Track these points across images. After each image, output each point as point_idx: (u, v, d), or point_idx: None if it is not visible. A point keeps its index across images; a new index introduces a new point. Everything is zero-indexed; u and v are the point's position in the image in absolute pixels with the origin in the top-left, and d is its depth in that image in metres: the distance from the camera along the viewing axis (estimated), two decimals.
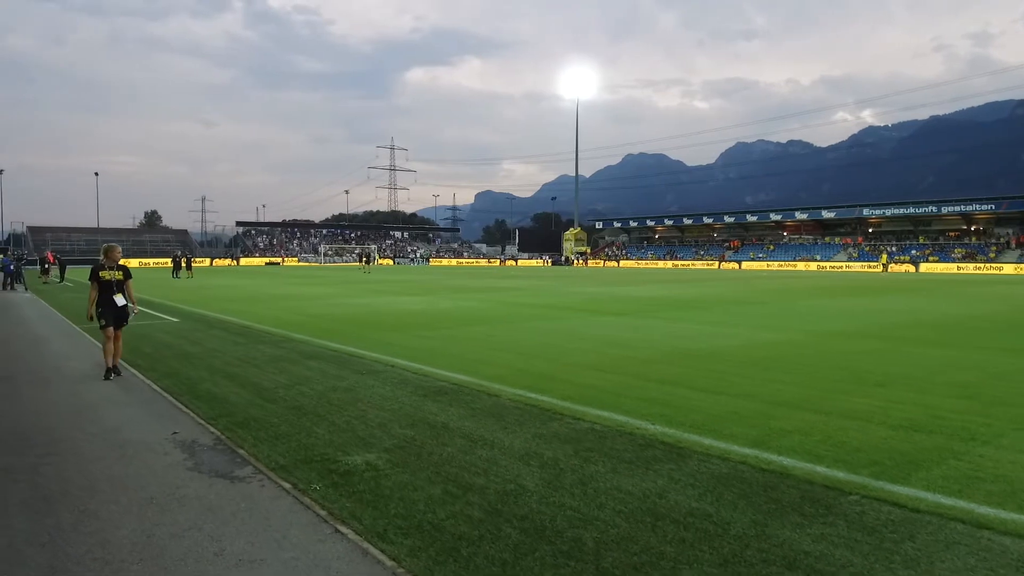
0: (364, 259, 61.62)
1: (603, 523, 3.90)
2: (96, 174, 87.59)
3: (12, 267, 28.52)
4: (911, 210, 68.59)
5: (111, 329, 8.30)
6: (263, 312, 17.32)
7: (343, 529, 3.83)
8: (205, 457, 5.18)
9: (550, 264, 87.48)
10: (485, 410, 6.60)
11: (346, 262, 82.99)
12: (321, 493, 4.38)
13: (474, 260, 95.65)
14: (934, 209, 67.24)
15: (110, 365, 8.34)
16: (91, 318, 8.33)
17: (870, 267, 64.11)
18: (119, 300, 8.39)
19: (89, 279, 8.36)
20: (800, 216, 76.12)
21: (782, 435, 5.68)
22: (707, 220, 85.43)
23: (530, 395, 7.23)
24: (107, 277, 8.37)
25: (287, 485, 4.54)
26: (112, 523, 3.91)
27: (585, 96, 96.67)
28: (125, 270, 8.65)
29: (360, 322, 14.91)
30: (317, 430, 5.89)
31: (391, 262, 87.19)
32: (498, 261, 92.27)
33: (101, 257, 8.53)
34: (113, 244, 8.69)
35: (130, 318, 8.63)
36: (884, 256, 60.37)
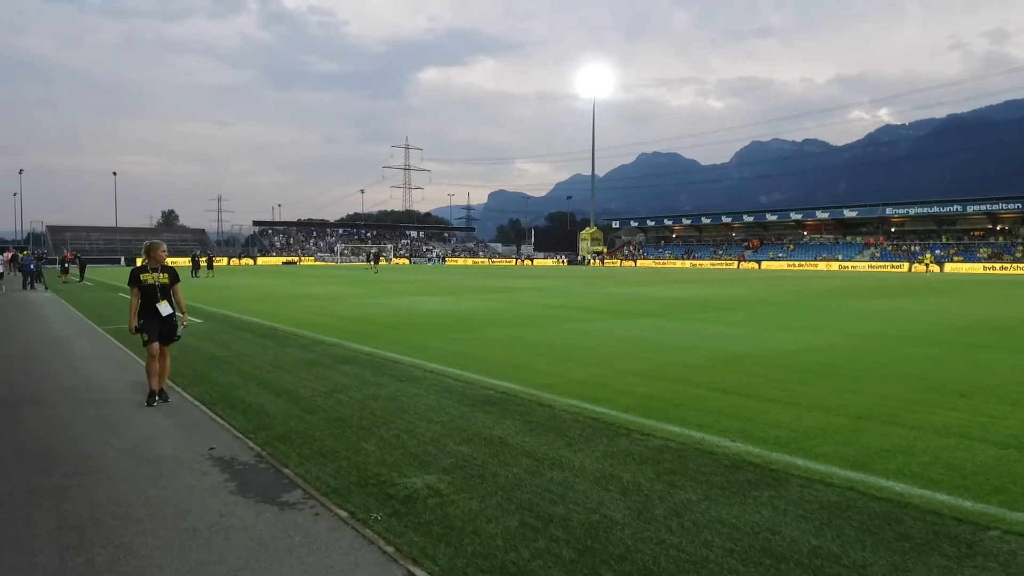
0: (373, 259, 60.55)
1: (716, 566, 3.36)
2: (114, 174, 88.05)
3: (32, 266, 28.33)
4: (935, 209, 67.35)
5: (156, 345, 6.81)
6: (287, 312, 16.90)
7: (417, 572, 3.32)
8: (248, 477, 4.70)
9: (566, 264, 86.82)
10: (542, 423, 6.08)
11: (363, 261, 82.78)
12: (384, 524, 3.87)
13: (489, 260, 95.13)
14: (959, 208, 65.98)
15: (154, 388, 6.93)
16: (134, 330, 6.81)
17: (893, 267, 63.04)
18: (164, 309, 6.89)
19: (129, 283, 6.92)
20: (821, 215, 75.04)
21: (882, 455, 5.11)
22: (726, 219, 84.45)
23: (586, 406, 6.71)
24: (150, 281, 6.88)
25: (344, 513, 4.04)
26: (152, 562, 3.42)
27: (601, 95, 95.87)
28: (172, 272, 7.12)
29: (387, 323, 14.44)
30: (365, 446, 5.39)
31: (407, 261, 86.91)
32: (517, 261, 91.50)
33: (142, 257, 7.14)
34: (157, 241, 7.13)
35: (179, 330, 7.16)
36: (928, 256, 58.63)
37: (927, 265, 55.82)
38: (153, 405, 6.79)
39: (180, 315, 7.18)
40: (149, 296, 6.86)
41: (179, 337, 7.16)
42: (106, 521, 3.92)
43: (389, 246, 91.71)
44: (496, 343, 11.38)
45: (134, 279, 6.89)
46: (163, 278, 6.99)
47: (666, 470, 4.79)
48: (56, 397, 7.38)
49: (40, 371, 9.01)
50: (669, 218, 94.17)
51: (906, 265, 62.73)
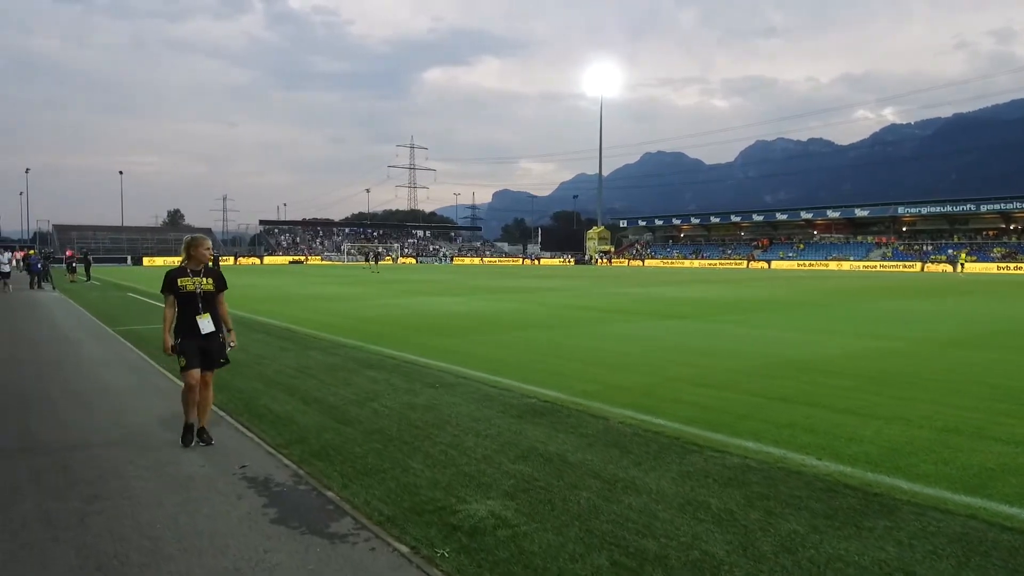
0: (373, 258, 58.94)
1: None
2: (120, 173, 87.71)
3: (39, 266, 27.89)
4: (948, 208, 66.61)
5: (196, 373, 5.28)
6: (301, 313, 16.41)
7: None
8: (288, 502, 4.19)
9: (573, 263, 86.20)
10: (599, 437, 5.56)
11: (362, 260, 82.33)
12: (453, 562, 3.35)
13: (497, 259, 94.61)
14: (972, 207, 65.20)
15: (191, 421, 5.39)
16: (170, 351, 5.33)
17: (906, 267, 62.34)
18: (206, 325, 5.33)
19: (162, 290, 5.41)
20: (832, 214, 74.30)
21: (992, 476, 4.58)
22: (735, 219, 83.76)
23: (641, 417, 6.18)
24: (189, 288, 5.32)
25: (404, 548, 3.52)
26: None
27: (608, 94, 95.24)
28: (217, 276, 5.55)
29: (407, 325, 13.93)
30: (412, 464, 4.88)
31: (414, 261, 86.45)
32: (528, 260, 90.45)
33: (181, 257, 5.57)
34: (199, 236, 5.62)
35: (227, 352, 5.59)
36: (963, 255, 57.62)
37: (962, 264, 54.71)
38: (191, 446, 5.32)
39: (226, 334, 5.56)
40: (188, 307, 5.34)
41: (226, 362, 5.61)
42: (133, 559, 3.41)
43: (396, 245, 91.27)
44: (524, 346, 10.86)
45: (169, 284, 5.36)
46: (206, 284, 5.40)
47: (756, 494, 4.26)
48: (68, 405, 6.88)
49: (50, 375, 8.52)
50: (677, 217, 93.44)
51: (918, 265, 62.05)
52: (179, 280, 5.37)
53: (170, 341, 5.33)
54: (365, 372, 8.51)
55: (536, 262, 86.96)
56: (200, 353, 5.34)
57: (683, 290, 26.51)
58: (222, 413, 6.44)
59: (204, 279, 5.43)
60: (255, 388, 7.54)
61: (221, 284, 5.56)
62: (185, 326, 5.32)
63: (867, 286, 29.87)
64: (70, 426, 6.06)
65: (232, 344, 5.61)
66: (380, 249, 75.18)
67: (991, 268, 58.19)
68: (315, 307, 18.41)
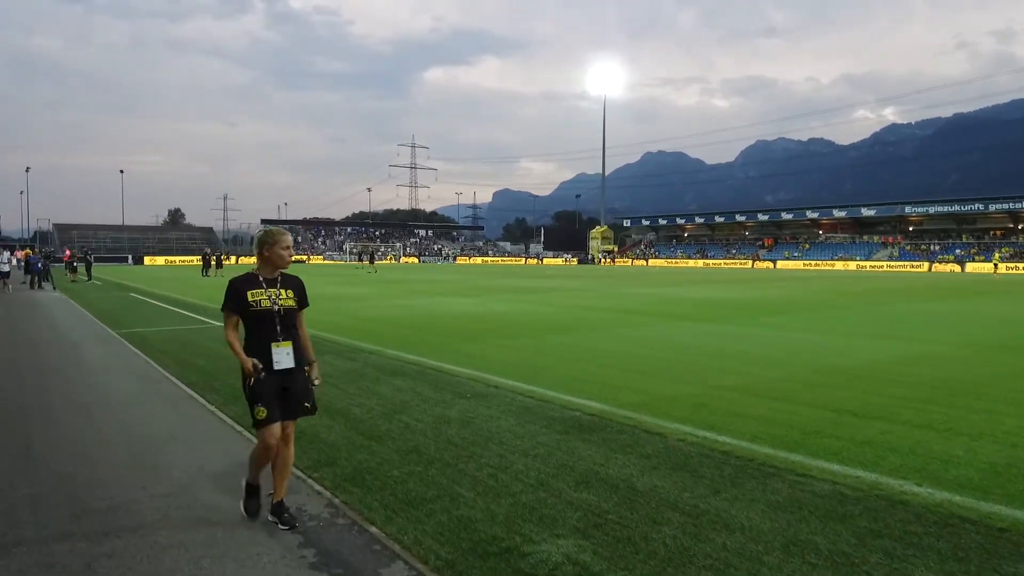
0: (368, 257, 54.86)
1: None
2: (121, 172, 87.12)
3: (40, 265, 27.31)
4: (956, 208, 66.09)
5: (277, 427, 3.82)
6: (310, 315, 15.73)
7: None
8: (327, 541, 3.63)
9: (576, 263, 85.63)
10: (662, 459, 5.00)
11: (356, 260, 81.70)
12: None
13: (500, 258, 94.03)
14: (980, 207, 64.69)
15: (259, 482, 4.00)
16: (252, 372, 3.69)
17: (913, 267, 61.81)
18: (285, 357, 3.83)
19: (224, 307, 3.85)
20: (838, 214, 73.81)
21: None
22: (739, 218, 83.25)
23: (701, 433, 5.63)
24: (264, 304, 3.80)
25: None
26: None
27: (610, 93, 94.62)
28: (298, 287, 3.99)
29: (423, 327, 13.37)
30: (461, 491, 4.32)
31: (416, 260, 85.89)
32: (535, 260, 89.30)
33: (253, 255, 4.01)
34: (277, 231, 4.02)
35: (314, 394, 4.07)
36: (997, 255, 56.82)
37: (995, 265, 53.81)
38: (256, 514, 3.91)
39: (310, 368, 4.02)
40: (260, 332, 3.77)
41: (313, 409, 4.05)
42: None
43: (399, 244, 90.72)
44: (551, 351, 10.30)
45: (236, 299, 3.76)
46: (286, 298, 3.85)
47: (866, 531, 3.70)
48: (70, 417, 6.32)
49: (51, 382, 7.96)
50: (681, 216, 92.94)
51: (926, 265, 61.53)
52: (250, 293, 3.74)
53: (251, 371, 3.68)
54: (388, 380, 7.95)
55: (542, 262, 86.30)
56: (278, 398, 3.77)
57: (696, 291, 25.96)
58: (239, 428, 5.89)
59: (283, 291, 3.84)
60: None
61: (302, 298, 3.96)
62: (256, 354, 3.73)
63: (883, 287, 29.31)
64: (73, 443, 5.50)
65: (316, 381, 4.03)
66: (376, 248, 73.77)
67: (1000, 268, 57.65)
68: (323, 308, 17.83)
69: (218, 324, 13.93)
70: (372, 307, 18.20)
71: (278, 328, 3.81)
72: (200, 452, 5.22)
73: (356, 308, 17.85)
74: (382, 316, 15.70)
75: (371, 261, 52.90)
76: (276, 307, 3.80)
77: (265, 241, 3.91)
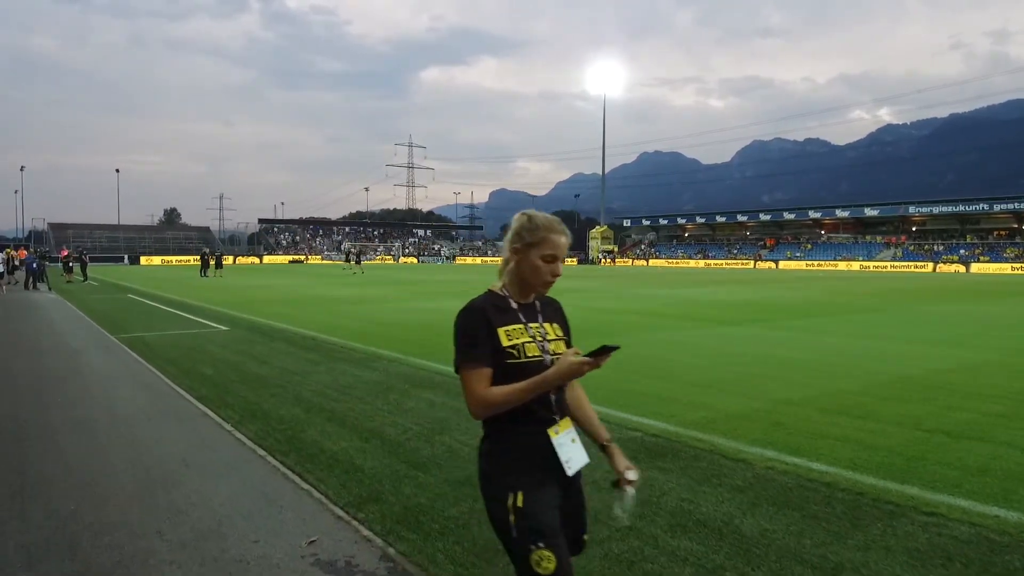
0: (355, 257, 51.48)
1: None
2: (117, 171, 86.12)
3: (35, 265, 26.52)
4: (960, 208, 65.61)
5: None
6: (318, 317, 15.14)
7: None
8: None
9: (576, 263, 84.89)
10: (758, 492, 4.33)
11: (369, 259, 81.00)
12: None
13: (499, 258, 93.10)
14: (985, 207, 64.22)
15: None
16: (532, 530, 1.97)
17: (917, 267, 61.29)
18: (575, 450, 2.10)
19: (462, 361, 2.04)
20: (841, 214, 73.30)
21: None
22: (740, 218, 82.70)
23: (790, 459, 4.96)
24: (530, 350, 2.08)
25: None
26: None
27: (610, 93, 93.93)
28: (561, 316, 2.31)
29: (443, 332, 12.67)
30: None
31: (415, 260, 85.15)
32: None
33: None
34: (550, 218, 2.19)
35: (625, 510, 2.20)
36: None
37: None
38: None
39: (607, 449, 2.25)
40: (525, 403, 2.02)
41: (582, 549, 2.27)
42: None
43: (397, 244, 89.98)
44: None
45: (477, 341, 2.05)
46: (555, 337, 2.19)
47: None
48: (72, 440, 5.61)
49: (50, 396, 7.24)
50: (682, 216, 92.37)
51: (930, 265, 61.03)
52: (504, 331, 2.09)
53: (510, 484, 2.04)
54: (417, 393, 7.27)
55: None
56: (563, 522, 2.08)
57: (710, 292, 25.30)
58: (261, 452, 5.20)
59: (548, 326, 2.21)
60: (294, 416, 6.29)
61: (567, 332, 2.29)
62: (520, 447, 2.08)
63: (898, 288, 28.68)
64: (76, 472, 4.78)
65: (631, 477, 2.19)
66: (362, 248, 72.27)
67: (1005, 269, 57.19)
68: (331, 310, 17.14)
69: (221, 327, 13.24)
70: (382, 309, 17.50)
71: (551, 395, 2.10)
72: (221, 484, 4.52)
73: (365, 311, 17.14)
74: (394, 320, 15.00)
75: (357, 261, 51.71)
76: (545, 352, 2.11)
77: (540, 234, 2.14)
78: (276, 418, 6.19)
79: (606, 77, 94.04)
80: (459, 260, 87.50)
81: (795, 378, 8.05)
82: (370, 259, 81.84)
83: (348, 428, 5.88)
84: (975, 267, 58.86)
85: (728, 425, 5.91)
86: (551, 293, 2.33)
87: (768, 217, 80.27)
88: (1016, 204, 61.77)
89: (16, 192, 77.43)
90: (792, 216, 77.83)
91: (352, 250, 59.15)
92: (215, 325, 13.68)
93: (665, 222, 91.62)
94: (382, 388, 7.52)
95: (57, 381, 8.13)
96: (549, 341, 2.15)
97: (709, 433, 5.66)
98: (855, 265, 65.34)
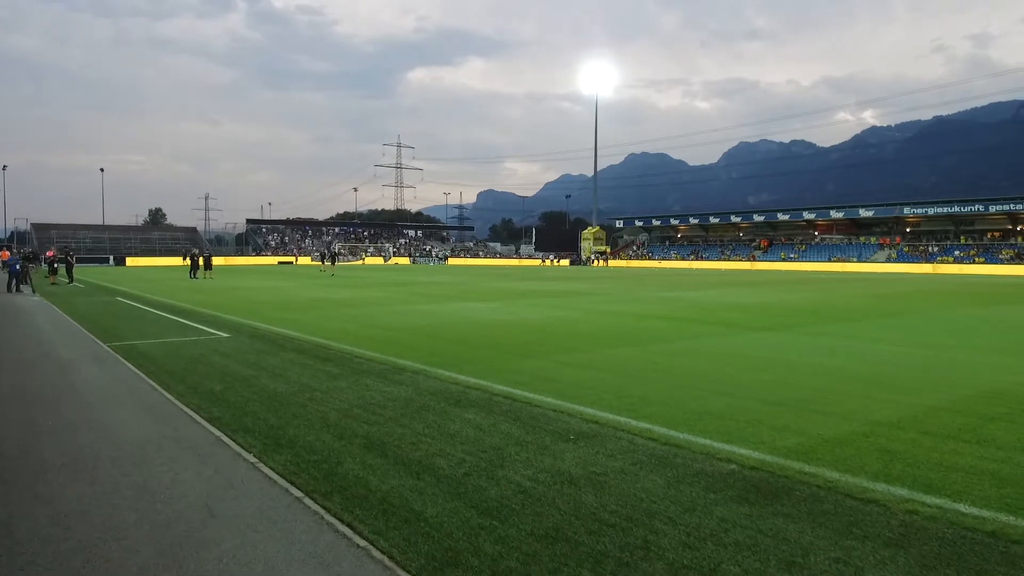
0: (330, 258, 51.77)
1: None
2: (102, 170, 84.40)
3: (18, 267, 25.37)
4: (955, 209, 65.43)
5: None
6: (323, 323, 14.26)
7: None
8: None
9: (568, 264, 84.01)
10: (918, 550, 3.55)
11: (359, 259, 79.78)
12: None
13: (491, 259, 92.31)
14: (980, 208, 64.06)
15: None
16: None
17: (914, 268, 61.03)
18: None
19: None
20: (835, 215, 72.96)
21: None
22: (734, 219, 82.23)
23: (931, 500, 4.21)
24: None
25: None
26: None
27: (600, 94, 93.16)
28: None
29: (460, 340, 11.84)
30: None
31: (408, 260, 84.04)
32: (550, 261, 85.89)
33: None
34: None
35: None
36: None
37: None
38: None
39: None
40: None
41: None
42: None
43: (388, 245, 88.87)
44: (631, 371, 8.77)
45: None
46: None
47: None
48: (71, 484, 4.74)
49: (40, 423, 6.35)
50: (675, 217, 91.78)
51: (927, 267, 60.80)
52: None
53: None
54: (457, 413, 6.45)
55: (556, 262, 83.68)
56: None
57: (721, 294, 24.58)
58: (297, 492, 4.37)
59: None
60: (326, 444, 5.45)
61: None
62: None
63: (915, 290, 28.08)
64: (76, 532, 3.88)
65: None
66: (337, 250, 70.80)
67: (1001, 270, 57.01)
68: (334, 314, 16.24)
69: (221, 334, 12.34)
70: (387, 313, 16.60)
71: None
72: (260, 542, 3.68)
73: (369, 314, 16.26)
74: (403, 324, 14.14)
75: (332, 262, 50.92)
76: None
77: None
78: (305, 447, 5.35)
79: (597, 78, 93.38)
80: (452, 261, 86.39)
81: (874, 393, 7.29)
82: (358, 259, 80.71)
83: (391, 459, 5.05)
84: (971, 268, 58.67)
85: (831, 453, 5.14)
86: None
87: (761, 218, 79.81)
88: (1011, 205, 61.66)
89: None
90: (786, 217, 77.42)
91: (327, 252, 59.30)
92: (215, 332, 12.77)
93: (658, 223, 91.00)
94: (415, 407, 6.69)
95: (46, 402, 7.22)
96: None
97: (814, 464, 4.89)
98: (850, 267, 64.99)
